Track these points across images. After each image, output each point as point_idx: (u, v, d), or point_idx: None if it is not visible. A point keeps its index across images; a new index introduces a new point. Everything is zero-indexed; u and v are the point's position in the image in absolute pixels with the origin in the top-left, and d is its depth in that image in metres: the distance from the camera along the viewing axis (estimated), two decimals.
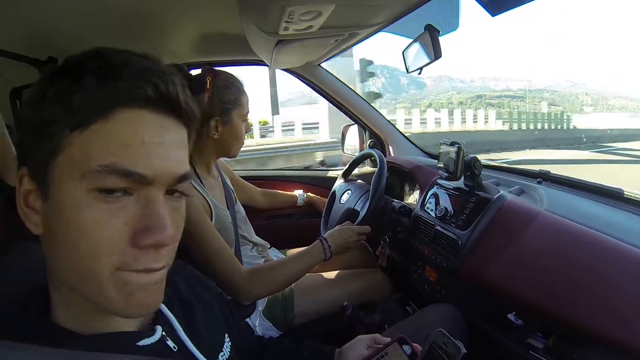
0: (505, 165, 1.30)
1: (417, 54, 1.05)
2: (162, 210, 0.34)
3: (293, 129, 12.43)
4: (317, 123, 11.46)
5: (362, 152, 1.36)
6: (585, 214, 0.81)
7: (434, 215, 1.02)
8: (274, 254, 1.25)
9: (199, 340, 0.45)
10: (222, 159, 1.18)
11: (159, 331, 0.41)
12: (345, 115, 1.64)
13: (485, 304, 0.84)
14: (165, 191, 0.35)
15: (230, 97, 0.97)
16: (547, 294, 0.68)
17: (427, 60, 1.00)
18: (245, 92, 1.02)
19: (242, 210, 1.17)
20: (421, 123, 15.72)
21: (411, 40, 1.06)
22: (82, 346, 0.34)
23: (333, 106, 1.61)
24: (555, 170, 1.10)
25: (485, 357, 0.82)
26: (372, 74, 7.76)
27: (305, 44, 1.00)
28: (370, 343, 0.62)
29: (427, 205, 1.08)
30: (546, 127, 19.27)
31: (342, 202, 1.29)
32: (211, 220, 0.93)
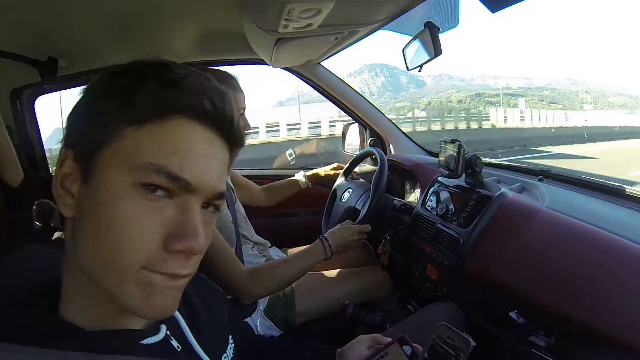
0: (506, 162, 1.30)
1: (417, 52, 1.05)
2: (197, 218, 0.35)
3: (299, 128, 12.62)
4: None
5: (363, 151, 1.36)
6: (586, 211, 0.81)
7: (435, 213, 1.01)
8: (275, 253, 1.25)
9: (204, 341, 0.45)
10: None
11: (164, 330, 0.41)
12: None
13: (487, 302, 0.84)
14: (201, 203, 0.36)
15: None
16: (549, 291, 0.68)
17: (427, 58, 0.99)
18: (239, 89, 1.02)
19: (242, 209, 1.17)
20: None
21: (411, 37, 1.05)
22: (86, 342, 0.34)
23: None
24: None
25: (487, 355, 0.82)
26: None
27: (305, 42, 1.00)
28: (371, 343, 0.61)
29: (428, 203, 1.07)
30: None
31: (342, 200, 1.29)
32: None
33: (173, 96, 0.34)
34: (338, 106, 1.60)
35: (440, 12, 1.00)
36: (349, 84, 1.59)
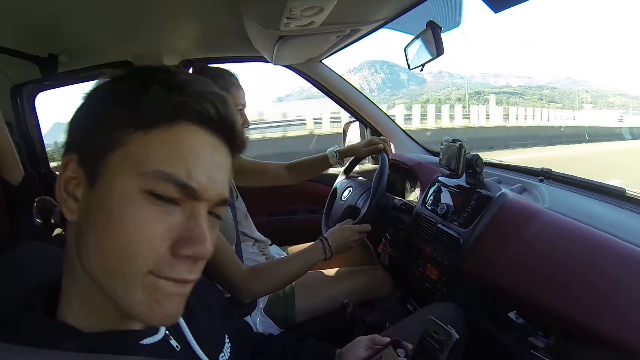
0: (507, 163, 1.29)
1: (419, 51, 1.05)
2: (204, 224, 0.35)
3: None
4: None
5: None
6: (586, 213, 0.81)
7: (435, 213, 1.01)
8: (275, 251, 1.25)
9: (202, 340, 0.45)
10: None
11: (163, 330, 0.41)
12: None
13: (487, 303, 0.84)
14: (207, 209, 0.36)
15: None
16: (548, 292, 0.68)
17: (429, 57, 0.99)
18: (239, 85, 1.02)
19: (243, 206, 1.17)
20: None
21: (413, 36, 1.05)
22: (85, 344, 0.34)
23: None
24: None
25: (486, 355, 0.83)
26: None
27: (307, 40, 1.00)
28: (369, 344, 0.62)
29: (428, 203, 1.07)
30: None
31: (343, 199, 1.29)
32: None
33: (179, 101, 0.34)
34: (339, 104, 1.59)
35: (443, 11, 0.99)
36: (349, 81, 1.58)
